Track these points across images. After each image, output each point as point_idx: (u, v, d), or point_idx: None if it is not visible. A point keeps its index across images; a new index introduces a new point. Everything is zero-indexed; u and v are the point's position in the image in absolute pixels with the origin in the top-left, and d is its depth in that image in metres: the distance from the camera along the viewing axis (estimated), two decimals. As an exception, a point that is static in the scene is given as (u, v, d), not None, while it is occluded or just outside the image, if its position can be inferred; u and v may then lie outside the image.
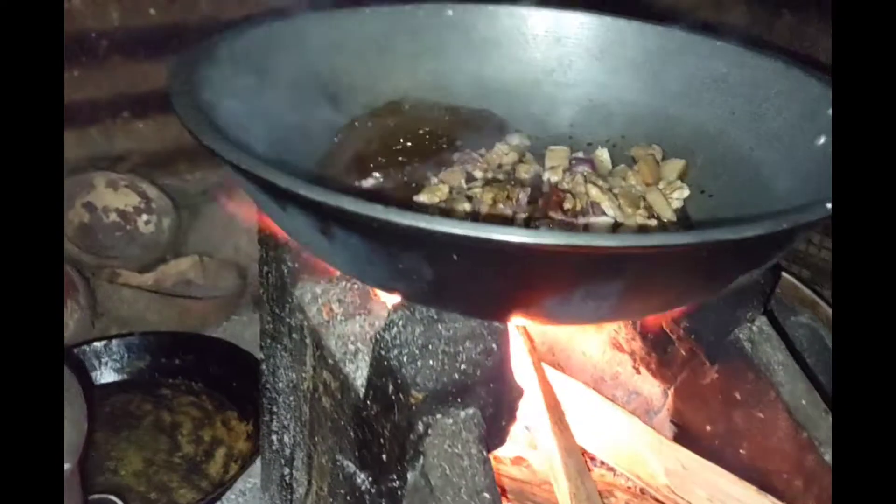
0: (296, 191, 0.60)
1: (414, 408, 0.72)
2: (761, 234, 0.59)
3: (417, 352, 0.73)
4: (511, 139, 1.08)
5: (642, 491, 0.97)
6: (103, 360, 1.45)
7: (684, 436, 1.00)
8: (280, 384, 1.06)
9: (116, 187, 1.91)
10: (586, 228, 0.88)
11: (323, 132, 1.02)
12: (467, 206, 0.89)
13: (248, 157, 0.63)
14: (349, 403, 0.85)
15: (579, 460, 0.89)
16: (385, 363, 0.75)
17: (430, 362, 0.72)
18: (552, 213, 0.91)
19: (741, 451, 0.93)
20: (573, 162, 1.02)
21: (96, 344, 1.45)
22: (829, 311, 1.42)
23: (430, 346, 0.73)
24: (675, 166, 1.02)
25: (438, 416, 0.73)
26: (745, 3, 1.72)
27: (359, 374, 0.83)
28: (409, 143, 1.03)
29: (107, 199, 1.90)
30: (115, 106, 1.98)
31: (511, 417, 0.78)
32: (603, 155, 1.05)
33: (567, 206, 0.91)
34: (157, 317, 1.57)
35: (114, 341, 1.46)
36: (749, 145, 0.97)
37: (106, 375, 1.45)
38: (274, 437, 1.12)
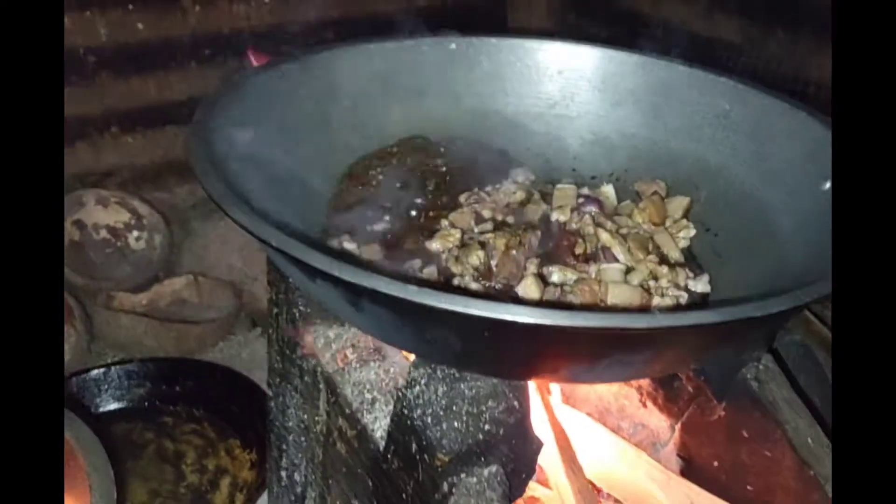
0: (330, 271, 0.60)
1: (439, 469, 0.73)
2: (783, 310, 0.60)
3: (441, 413, 0.74)
4: (516, 174, 1.09)
5: (653, 528, 0.99)
6: (103, 388, 1.44)
7: (691, 470, 1.02)
8: (290, 423, 1.07)
9: (106, 204, 1.89)
10: (598, 276, 0.89)
11: (331, 172, 1.02)
12: (481, 254, 0.89)
13: (280, 234, 0.63)
14: (367, 454, 0.85)
15: (593, 501, 0.91)
16: (408, 422, 0.76)
17: (455, 424, 0.73)
18: (563, 259, 0.92)
19: (748, 486, 0.95)
20: (580, 200, 1.03)
21: (95, 372, 1.44)
22: (822, 328, 1.45)
23: (454, 407, 0.74)
24: (679, 203, 1.03)
25: (462, 475, 0.74)
26: (738, 18, 1.73)
27: (377, 426, 0.84)
28: (416, 183, 1.03)
29: (97, 217, 1.89)
30: (103, 121, 1.96)
31: (531, 470, 0.80)
32: (608, 191, 1.07)
33: (578, 250, 0.92)
34: (155, 342, 1.56)
35: (113, 368, 1.46)
36: (752, 183, 0.99)
37: (106, 403, 1.45)
38: (283, 473, 1.12)
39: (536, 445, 0.79)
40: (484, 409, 0.75)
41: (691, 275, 0.93)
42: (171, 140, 2.10)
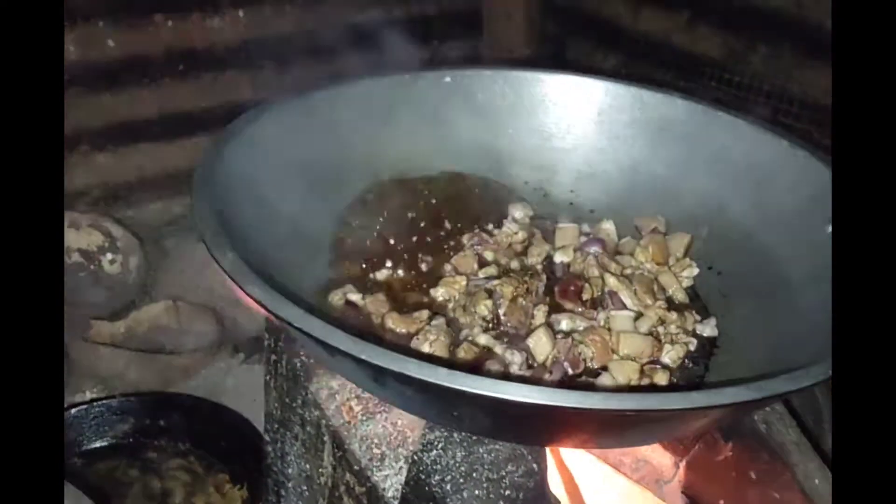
0: (355, 353, 0.58)
1: (460, 537, 0.72)
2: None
3: (462, 480, 0.72)
4: (514, 210, 1.08)
5: (663, 573, 0.99)
6: (85, 426, 1.40)
7: (697, 508, 1.02)
8: (290, 470, 1.04)
9: (79, 227, 1.84)
10: (608, 321, 0.88)
11: (330, 214, 1.00)
12: (488, 303, 0.88)
13: (302, 314, 0.61)
14: (379, 512, 0.83)
15: (605, 551, 0.90)
16: (426, 488, 0.74)
17: (476, 492, 0.72)
18: (570, 305, 0.91)
19: (756, 527, 0.95)
20: (583, 240, 1.02)
21: (76, 409, 1.40)
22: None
23: (475, 474, 0.72)
24: (681, 241, 1.03)
25: (483, 541, 0.73)
26: (720, 33, 1.74)
27: (388, 484, 0.82)
28: (415, 225, 1.01)
29: (69, 240, 1.83)
30: (73, 139, 1.90)
31: (548, 528, 0.79)
32: (609, 228, 1.06)
33: (585, 296, 0.91)
34: (137, 375, 1.52)
35: (95, 405, 1.41)
36: (754, 223, 0.99)
37: (88, 441, 1.40)
38: (282, 518, 1.10)
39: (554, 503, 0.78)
40: (504, 473, 0.73)
41: (698, 318, 0.93)
42: (142, 157, 2.04)
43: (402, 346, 0.82)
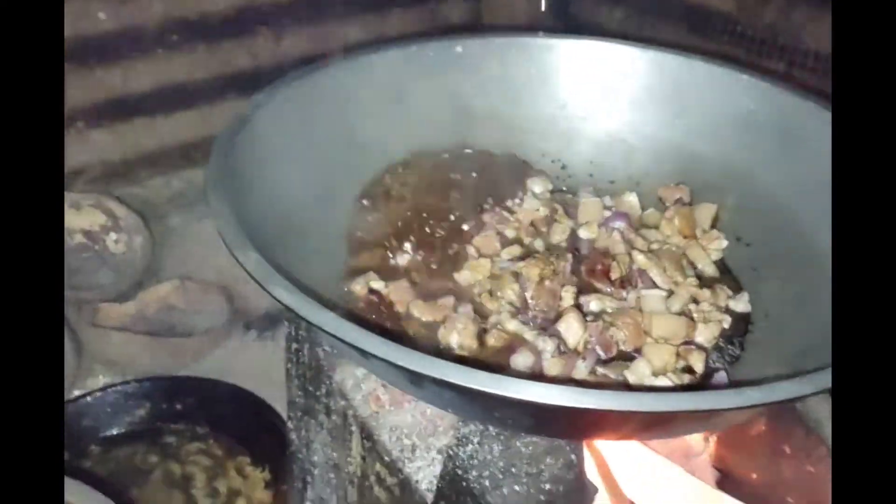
0: (393, 360, 0.56)
1: (501, 533, 0.70)
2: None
3: (500, 476, 0.70)
4: (533, 184, 1.05)
5: (699, 549, 0.98)
6: (101, 412, 1.39)
7: (728, 482, 1.01)
8: (316, 458, 1.03)
9: (79, 207, 1.80)
10: (639, 302, 0.86)
11: (346, 198, 0.96)
12: (515, 287, 0.85)
13: (334, 316, 0.58)
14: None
15: (641, 531, 0.90)
16: (463, 483, 0.72)
17: (516, 487, 0.70)
18: (600, 285, 0.89)
19: (789, 499, 0.95)
20: (606, 213, 0.99)
21: (91, 396, 1.38)
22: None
23: (513, 469, 0.71)
24: (707, 211, 1.00)
25: (524, 536, 0.71)
26: (731, -14, 1.68)
27: (421, 476, 0.81)
28: (435, 206, 0.98)
29: (70, 221, 1.79)
30: (67, 117, 1.85)
31: (587, 517, 0.77)
32: (633, 201, 1.03)
33: (613, 275, 0.89)
34: (149, 359, 1.50)
35: (110, 390, 1.40)
36: (784, 191, 0.96)
37: (106, 427, 1.39)
38: (309, 504, 1.09)
39: (591, 493, 0.77)
40: (543, 467, 0.72)
41: (730, 293, 0.91)
42: (139, 132, 1.98)
43: (436, 347, 0.79)
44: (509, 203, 1.01)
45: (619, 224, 0.96)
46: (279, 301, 0.61)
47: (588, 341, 0.80)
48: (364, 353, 0.58)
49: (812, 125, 0.94)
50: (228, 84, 2.03)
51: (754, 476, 0.98)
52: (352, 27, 2.07)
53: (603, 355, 0.80)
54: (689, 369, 0.80)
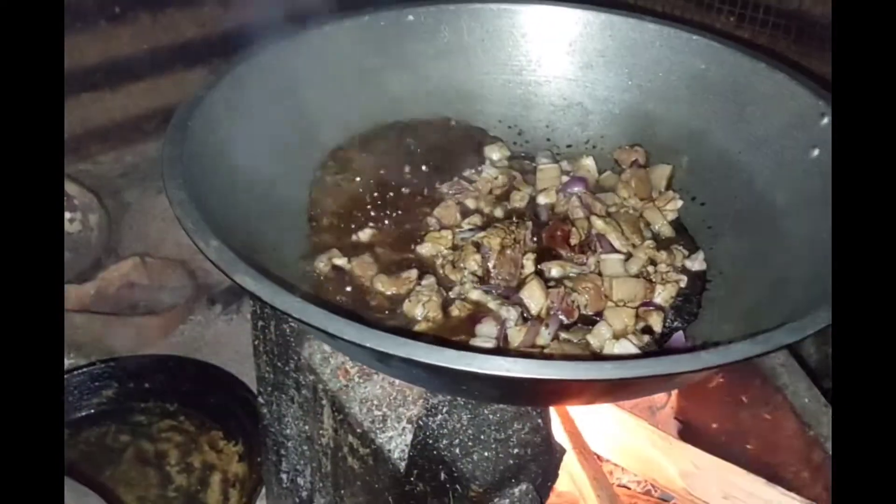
0: (359, 342, 0.57)
1: (473, 498, 0.73)
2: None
3: (470, 443, 0.72)
4: (491, 152, 1.05)
5: (665, 500, 1.03)
6: (68, 395, 1.37)
7: (690, 432, 1.05)
8: (288, 431, 1.04)
9: (30, 188, 1.75)
10: (599, 266, 0.88)
11: (307, 172, 0.96)
12: (477, 258, 0.87)
13: (300, 303, 0.59)
14: (385, 473, 0.84)
15: (607, 485, 0.93)
16: (434, 452, 0.74)
17: (486, 454, 0.72)
18: (560, 250, 0.91)
19: (748, 446, 0.99)
20: (564, 178, 1.01)
21: (57, 380, 1.37)
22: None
23: (482, 436, 0.73)
24: (661, 173, 1.02)
25: (496, 499, 0.74)
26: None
27: (393, 446, 0.83)
28: (392, 175, 0.98)
29: (22, 202, 1.75)
30: (10, 96, 1.79)
31: (555, 476, 0.80)
32: (589, 164, 1.04)
33: (573, 240, 0.91)
34: (114, 339, 1.49)
35: (75, 373, 1.39)
36: (736, 149, 0.98)
37: (74, 410, 1.38)
38: (283, 476, 1.10)
39: (560, 454, 0.79)
40: (511, 432, 0.74)
41: (686, 252, 0.93)
42: (87, 108, 1.94)
43: (401, 320, 0.80)
44: (468, 172, 1.02)
45: (578, 189, 0.97)
46: (244, 288, 0.61)
47: (550, 307, 0.82)
48: (330, 336, 0.59)
49: (762, 85, 0.96)
50: (176, 54, 1.98)
51: (714, 426, 1.02)
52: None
53: (565, 320, 0.82)
54: (648, 329, 0.83)
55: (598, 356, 0.75)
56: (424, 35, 1.07)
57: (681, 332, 0.82)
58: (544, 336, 0.79)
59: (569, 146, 1.09)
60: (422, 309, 0.82)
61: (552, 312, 0.82)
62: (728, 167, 0.98)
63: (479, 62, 1.10)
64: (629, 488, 1.07)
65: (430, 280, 0.85)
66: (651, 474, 1.01)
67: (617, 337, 0.79)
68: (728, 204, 0.96)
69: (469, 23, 1.09)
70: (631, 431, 1.03)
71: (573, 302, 0.83)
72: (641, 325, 0.83)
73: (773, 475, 0.96)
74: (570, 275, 0.87)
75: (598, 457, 1.03)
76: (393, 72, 1.06)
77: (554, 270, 0.88)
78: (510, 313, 0.80)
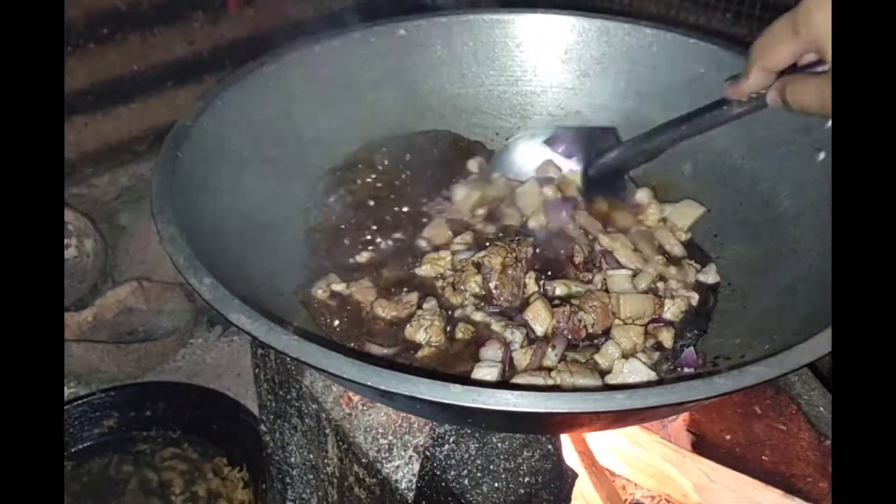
0: (361, 381, 0.54)
1: (484, 530, 0.70)
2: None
3: (479, 474, 0.70)
4: (472, 166, 1.03)
5: (678, 514, 1.00)
6: (69, 426, 1.35)
7: (703, 445, 1.02)
8: (293, 459, 1.02)
9: (24, 215, 1.73)
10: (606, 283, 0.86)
11: (302, 192, 0.94)
12: (478, 279, 0.84)
13: (298, 342, 0.56)
14: (393, 503, 0.82)
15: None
16: (442, 484, 0.72)
17: (495, 484, 0.70)
18: (564, 269, 0.88)
19: (763, 457, 0.96)
20: (547, 193, 0.97)
21: (56, 411, 1.35)
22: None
23: (492, 466, 0.70)
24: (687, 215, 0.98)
25: (508, 529, 0.71)
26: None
27: (400, 475, 0.80)
28: (391, 197, 0.96)
29: (16, 229, 1.73)
30: (1, 122, 1.77)
31: (568, 501, 0.78)
32: (573, 178, 1.01)
33: (577, 259, 0.88)
34: (114, 366, 1.47)
35: (76, 403, 1.36)
36: (740, 155, 0.96)
37: (75, 441, 1.36)
38: (290, 504, 1.08)
39: (572, 479, 0.77)
40: (521, 460, 0.71)
41: (698, 266, 0.90)
42: (79, 131, 1.92)
43: (406, 363, 0.77)
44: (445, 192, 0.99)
45: (564, 213, 0.94)
46: (239, 328, 0.59)
47: (556, 327, 0.80)
48: (331, 375, 0.57)
49: (763, 87, 0.93)
50: (167, 73, 1.96)
51: (728, 437, 1.00)
52: (290, 5, 2.01)
53: (572, 340, 0.80)
54: (659, 346, 0.81)
55: (609, 386, 0.73)
56: (417, 49, 1.05)
57: (692, 349, 0.79)
58: (551, 358, 0.76)
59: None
60: (424, 334, 0.79)
61: (558, 332, 0.80)
62: (732, 173, 0.96)
63: (473, 74, 1.08)
64: (643, 504, 1.05)
65: (431, 303, 0.83)
66: (664, 489, 0.99)
67: (626, 356, 0.77)
68: (733, 211, 0.94)
69: (461, 35, 1.07)
70: (642, 446, 1.00)
71: (580, 321, 0.81)
72: (651, 341, 0.80)
73: (790, 486, 0.93)
74: (576, 293, 0.85)
75: (610, 473, 1.00)
76: (386, 87, 1.04)
77: (558, 289, 0.85)
78: (515, 335, 0.78)
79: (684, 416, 1.06)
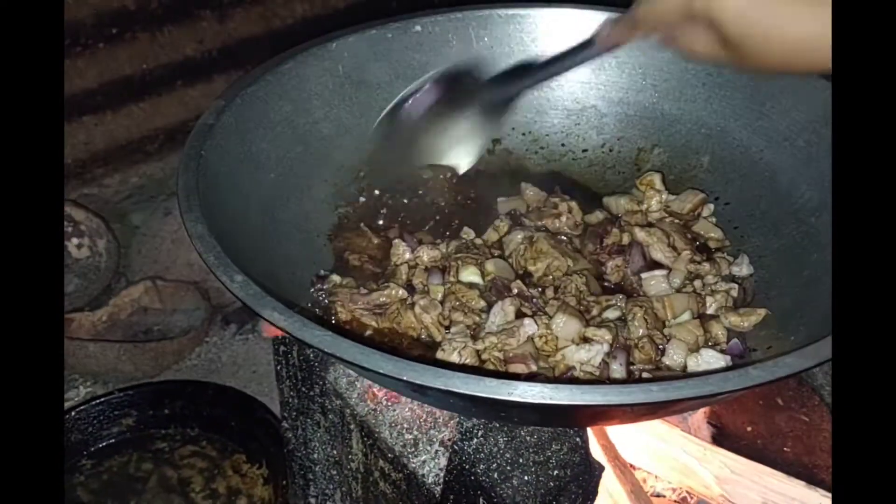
0: (396, 375, 0.55)
1: (515, 523, 0.71)
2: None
3: (508, 467, 0.71)
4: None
5: (701, 506, 1.01)
6: (87, 425, 1.36)
7: (724, 437, 1.03)
8: (315, 455, 1.02)
9: (37, 215, 1.74)
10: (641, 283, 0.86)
11: (324, 190, 0.95)
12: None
13: (332, 337, 0.57)
14: (420, 498, 0.82)
15: (645, 498, 0.91)
16: (471, 478, 0.72)
17: (525, 478, 0.70)
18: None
19: (785, 448, 0.97)
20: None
21: (75, 411, 1.35)
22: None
23: (521, 459, 0.71)
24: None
25: (537, 522, 0.72)
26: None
27: (426, 470, 0.81)
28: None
29: (29, 230, 1.73)
30: (12, 123, 1.78)
31: (595, 494, 0.78)
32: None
33: (608, 241, 0.88)
34: (131, 365, 1.47)
35: (94, 402, 1.37)
36: (759, 147, 0.96)
37: (94, 440, 1.37)
38: (312, 501, 1.09)
39: (599, 471, 0.77)
40: (550, 453, 0.72)
41: (730, 258, 0.90)
42: (89, 130, 1.92)
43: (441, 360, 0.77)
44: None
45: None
46: (272, 323, 0.59)
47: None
48: (365, 370, 0.57)
49: (783, 78, 0.93)
50: (176, 72, 1.96)
51: (749, 429, 1.00)
52: (298, 3, 2.01)
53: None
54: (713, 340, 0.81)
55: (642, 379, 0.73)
56: (433, 45, 1.05)
57: (736, 340, 0.80)
58: (618, 371, 0.76)
59: (584, 150, 1.08)
60: (458, 356, 0.78)
61: (615, 348, 0.79)
62: (751, 166, 0.96)
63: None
64: (664, 496, 1.05)
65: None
66: (686, 482, 0.99)
67: (693, 350, 0.77)
68: (753, 204, 0.94)
69: (477, 30, 1.07)
70: (663, 438, 1.01)
71: (629, 336, 0.80)
72: (706, 335, 0.81)
73: (813, 478, 0.94)
74: (623, 312, 0.83)
75: (632, 466, 1.01)
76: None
77: (606, 312, 0.83)
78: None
79: (705, 408, 1.06)
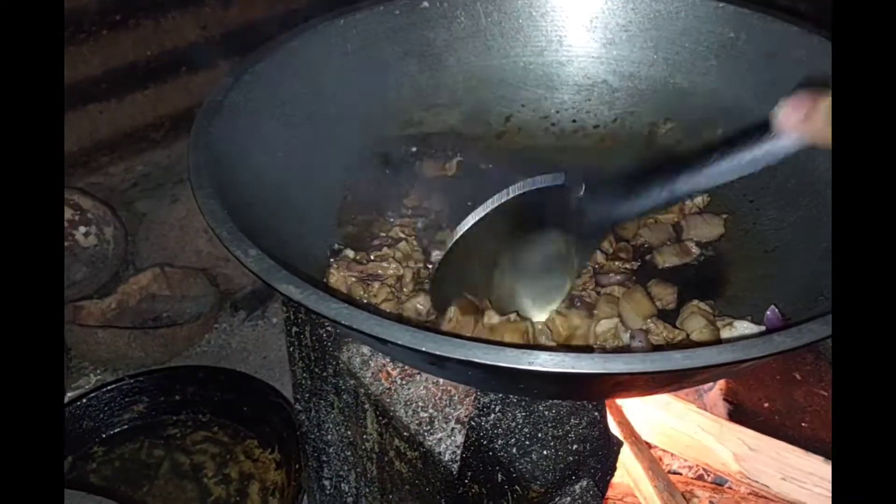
0: (415, 346, 0.54)
1: (534, 499, 0.70)
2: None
3: (527, 442, 0.70)
4: None
5: (719, 484, 1.00)
6: (98, 412, 1.36)
7: (740, 413, 1.02)
8: (329, 437, 1.02)
9: (44, 204, 1.73)
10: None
11: (334, 167, 0.94)
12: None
13: (349, 310, 0.56)
14: (436, 476, 0.82)
15: (663, 474, 0.90)
16: (489, 453, 0.72)
17: (544, 452, 0.69)
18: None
19: (803, 424, 0.96)
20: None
21: (86, 398, 1.35)
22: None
23: (539, 434, 0.70)
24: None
25: (556, 497, 0.71)
26: None
27: (443, 448, 0.80)
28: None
29: (36, 219, 1.73)
30: (17, 112, 1.77)
31: (614, 469, 0.77)
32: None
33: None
34: (141, 351, 1.47)
35: (105, 389, 1.36)
36: (774, 118, 0.94)
37: (106, 427, 1.36)
38: (326, 483, 1.08)
39: (617, 446, 0.76)
40: (569, 428, 0.71)
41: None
42: (94, 118, 1.91)
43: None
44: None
45: None
46: (288, 297, 0.58)
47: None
48: (383, 341, 0.56)
49: (797, 51, 0.92)
50: (180, 58, 1.95)
51: (766, 405, 0.99)
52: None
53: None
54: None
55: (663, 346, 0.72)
56: (441, 21, 1.04)
57: (774, 308, 0.78)
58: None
59: (595, 126, 1.06)
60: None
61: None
62: (766, 137, 0.94)
63: (497, 45, 1.07)
64: (681, 474, 1.05)
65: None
66: (703, 459, 0.98)
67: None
68: (768, 175, 0.93)
69: (485, 6, 1.05)
70: (679, 416, 1.00)
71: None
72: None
73: (830, 451, 0.93)
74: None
75: (648, 444, 1.00)
76: (411, 62, 1.03)
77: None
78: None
79: (720, 384, 1.05)
